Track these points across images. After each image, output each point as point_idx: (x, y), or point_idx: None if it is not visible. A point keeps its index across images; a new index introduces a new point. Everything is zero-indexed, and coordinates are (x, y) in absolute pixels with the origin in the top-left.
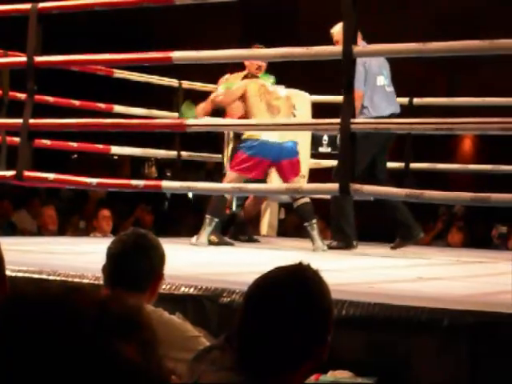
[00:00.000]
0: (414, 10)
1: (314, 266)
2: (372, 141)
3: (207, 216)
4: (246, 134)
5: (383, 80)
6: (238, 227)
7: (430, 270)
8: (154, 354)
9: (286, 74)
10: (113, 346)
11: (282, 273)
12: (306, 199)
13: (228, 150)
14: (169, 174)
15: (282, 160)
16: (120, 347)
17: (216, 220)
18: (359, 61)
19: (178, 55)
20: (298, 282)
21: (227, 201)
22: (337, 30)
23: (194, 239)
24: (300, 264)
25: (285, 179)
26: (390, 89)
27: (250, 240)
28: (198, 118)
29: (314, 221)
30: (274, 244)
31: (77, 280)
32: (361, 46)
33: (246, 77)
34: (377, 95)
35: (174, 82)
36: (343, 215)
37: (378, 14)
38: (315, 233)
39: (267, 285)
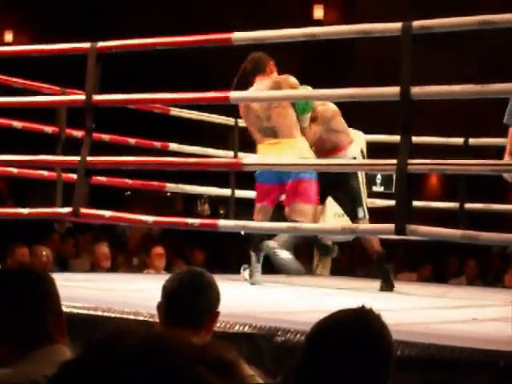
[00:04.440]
0: (455, 52)
1: (375, 309)
2: None
3: (253, 253)
4: None
5: None
6: None
7: (484, 311)
8: None
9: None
10: (209, 379)
11: (345, 316)
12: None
13: None
14: (222, 212)
15: (286, 182)
16: (215, 381)
17: (262, 255)
18: None
19: (235, 95)
20: (361, 327)
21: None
22: None
23: (246, 275)
24: (363, 308)
25: (286, 201)
26: None
27: None
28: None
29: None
30: (327, 283)
31: (132, 317)
32: None
33: None
34: None
35: (230, 121)
36: None
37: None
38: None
39: (330, 328)
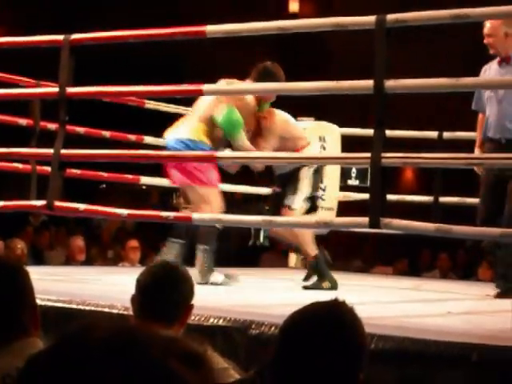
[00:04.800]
0: (439, 44)
1: (348, 302)
2: None
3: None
4: None
5: None
6: None
7: (458, 304)
8: None
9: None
10: (180, 371)
11: (318, 308)
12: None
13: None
14: None
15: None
16: (186, 373)
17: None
18: None
19: (208, 88)
20: (333, 319)
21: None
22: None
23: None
24: (336, 300)
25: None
26: None
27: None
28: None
29: (204, 247)
30: (303, 275)
31: (106, 310)
32: None
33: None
34: None
35: None
36: None
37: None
38: (199, 259)
39: (303, 320)
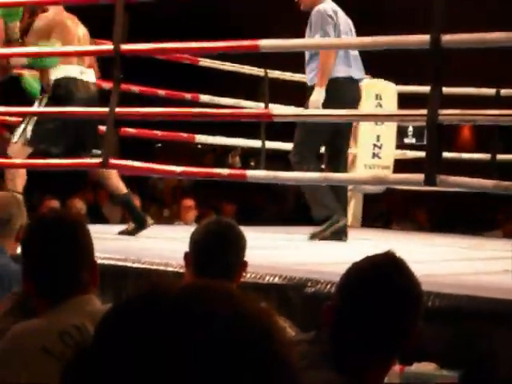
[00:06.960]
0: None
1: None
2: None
3: None
4: None
5: None
6: None
7: None
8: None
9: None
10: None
11: (374, 260)
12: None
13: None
14: (252, 164)
15: None
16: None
17: None
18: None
19: (265, 43)
20: (391, 268)
21: None
22: None
23: None
24: (389, 252)
25: None
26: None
27: None
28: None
29: None
30: (358, 234)
31: (161, 268)
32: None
33: None
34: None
35: (259, 71)
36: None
37: None
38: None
39: (361, 274)
